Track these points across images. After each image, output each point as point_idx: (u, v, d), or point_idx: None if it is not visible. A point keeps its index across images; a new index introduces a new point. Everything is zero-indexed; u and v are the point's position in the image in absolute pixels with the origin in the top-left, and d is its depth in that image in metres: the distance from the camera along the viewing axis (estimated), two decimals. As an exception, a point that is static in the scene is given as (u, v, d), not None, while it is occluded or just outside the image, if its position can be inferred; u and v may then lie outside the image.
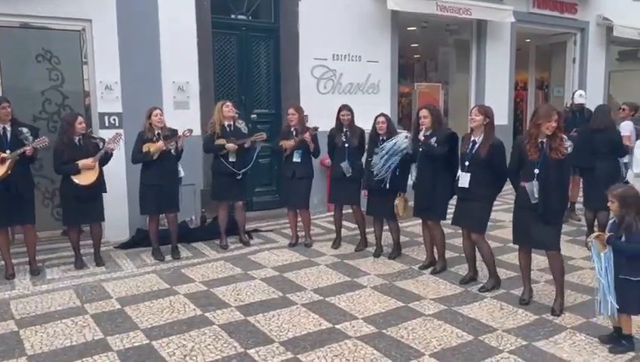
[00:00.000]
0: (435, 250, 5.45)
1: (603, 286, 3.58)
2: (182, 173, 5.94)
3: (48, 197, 6.38)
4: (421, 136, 5.12)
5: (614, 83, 12.30)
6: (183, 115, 6.63)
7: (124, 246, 6.29)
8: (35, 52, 6.25)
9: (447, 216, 5.21)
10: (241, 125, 6.23)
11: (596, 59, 11.36)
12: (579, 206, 7.38)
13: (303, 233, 6.41)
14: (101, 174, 5.45)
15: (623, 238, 3.54)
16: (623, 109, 7.43)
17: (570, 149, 4.17)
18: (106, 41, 6.36)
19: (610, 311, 3.59)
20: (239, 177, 6.10)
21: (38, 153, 5.31)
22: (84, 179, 5.34)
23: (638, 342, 3.77)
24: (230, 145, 5.99)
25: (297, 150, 6.09)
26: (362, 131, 6.08)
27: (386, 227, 5.90)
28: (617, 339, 3.72)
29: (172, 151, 5.71)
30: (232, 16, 7.77)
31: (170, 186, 5.76)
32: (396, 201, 5.55)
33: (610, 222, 3.79)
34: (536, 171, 4.20)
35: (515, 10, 9.46)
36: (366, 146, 5.92)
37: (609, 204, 3.69)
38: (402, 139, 5.40)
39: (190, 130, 5.86)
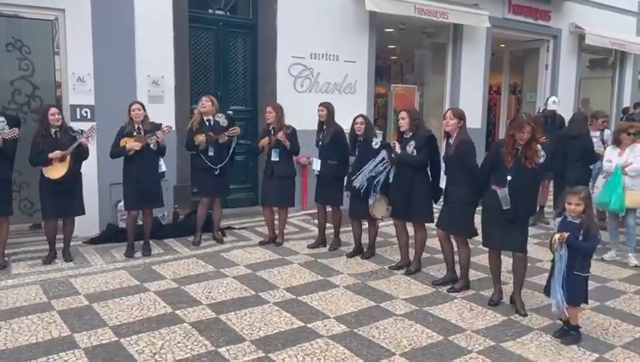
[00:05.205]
0: (413, 251, 5.48)
1: (558, 282, 3.79)
2: (163, 168, 5.90)
3: (16, 189, 6.21)
4: (397, 150, 5.18)
5: (585, 90, 12.61)
6: (158, 109, 6.51)
7: (93, 241, 6.18)
8: (5, 41, 6.08)
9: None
10: (221, 118, 6.18)
11: (568, 66, 11.62)
12: (548, 209, 7.55)
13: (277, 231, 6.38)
14: (72, 168, 5.33)
15: (581, 237, 3.79)
16: (603, 121, 7.53)
17: (543, 159, 4.25)
18: (79, 31, 6.22)
19: (560, 302, 3.81)
20: (217, 172, 6.07)
21: (9, 144, 5.14)
22: (54, 172, 5.25)
23: (601, 344, 3.89)
24: (199, 138, 5.96)
25: (275, 149, 6.07)
26: (338, 130, 6.01)
27: (364, 227, 5.92)
28: (568, 331, 3.96)
29: (152, 146, 5.62)
30: (210, 10, 7.70)
31: (149, 181, 5.67)
32: (371, 202, 5.53)
33: (560, 220, 3.96)
34: (509, 178, 4.27)
35: (491, 16, 9.60)
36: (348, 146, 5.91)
37: (574, 207, 3.84)
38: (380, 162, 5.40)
39: (169, 127, 5.83)
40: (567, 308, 3.86)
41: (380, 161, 5.39)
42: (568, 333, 3.96)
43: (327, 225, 6.25)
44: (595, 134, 7.10)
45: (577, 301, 3.89)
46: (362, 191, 5.44)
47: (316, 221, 6.45)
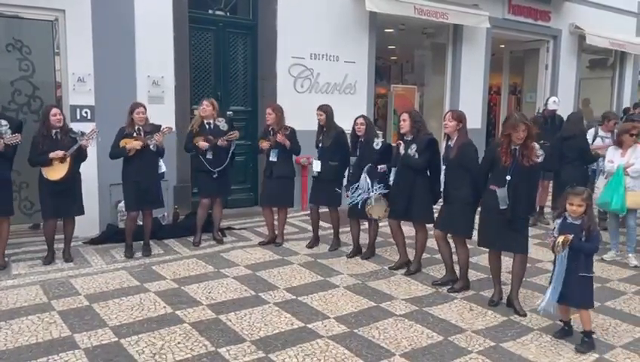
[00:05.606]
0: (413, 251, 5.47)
1: (557, 282, 3.79)
2: (163, 169, 5.90)
3: (16, 189, 6.21)
4: (401, 150, 5.19)
5: (585, 90, 12.62)
6: (157, 109, 6.52)
7: (93, 241, 6.18)
8: (5, 41, 6.08)
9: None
10: (221, 123, 6.20)
11: (568, 66, 11.63)
12: (548, 210, 7.55)
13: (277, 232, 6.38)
14: (72, 169, 5.33)
15: (583, 238, 3.76)
16: (615, 122, 7.52)
17: (541, 158, 4.26)
18: (80, 32, 6.22)
19: (552, 302, 3.83)
20: (215, 175, 6.09)
21: (10, 148, 5.12)
22: (53, 173, 5.25)
23: (601, 344, 3.89)
24: (201, 143, 6.01)
25: (274, 149, 6.07)
26: (339, 132, 6.01)
27: (363, 227, 5.91)
28: (570, 333, 3.98)
29: (151, 147, 5.63)
30: (210, 11, 7.70)
31: (148, 182, 5.67)
32: (372, 203, 5.50)
33: (559, 221, 3.94)
34: (508, 177, 4.27)
35: (491, 16, 9.61)
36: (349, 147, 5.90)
37: (575, 208, 3.81)
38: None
39: (169, 128, 5.83)
40: (557, 309, 3.90)
41: (373, 185, 5.50)
42: (568, 334, 3.97)
43: (326, 225, 6.25)
44: (606, 135, 7.10)
45: (589, 304, 3.85)
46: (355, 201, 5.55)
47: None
